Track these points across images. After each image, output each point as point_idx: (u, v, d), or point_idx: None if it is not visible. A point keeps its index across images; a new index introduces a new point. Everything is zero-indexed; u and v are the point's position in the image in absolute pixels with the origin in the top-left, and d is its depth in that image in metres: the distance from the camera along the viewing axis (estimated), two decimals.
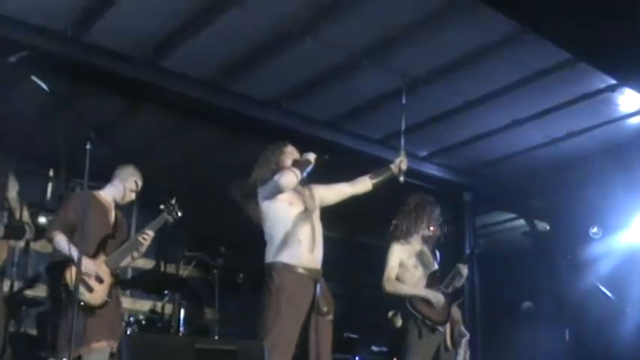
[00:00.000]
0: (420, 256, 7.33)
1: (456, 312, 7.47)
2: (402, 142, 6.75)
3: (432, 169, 11.15)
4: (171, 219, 6.65)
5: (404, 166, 6.38)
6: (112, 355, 6.29)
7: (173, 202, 6.68)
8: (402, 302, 7.13)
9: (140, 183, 6.77)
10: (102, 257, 6.35)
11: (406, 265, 7.24)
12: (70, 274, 6.01)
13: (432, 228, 7.38)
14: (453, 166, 11.34)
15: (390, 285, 7.15)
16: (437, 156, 10.98)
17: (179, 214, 6.68)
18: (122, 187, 6.70)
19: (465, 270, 7.40)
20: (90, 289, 6.15)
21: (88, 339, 5.99)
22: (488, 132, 10.02)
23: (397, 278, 7.19)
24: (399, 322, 7.20)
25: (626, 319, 9.72)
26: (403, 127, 6.94)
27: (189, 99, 8.64)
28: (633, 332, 9.43)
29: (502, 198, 12.32)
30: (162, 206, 6.66)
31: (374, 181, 6.43)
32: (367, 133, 10.06)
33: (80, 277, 5.92)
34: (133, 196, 6.79)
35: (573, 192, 11.10)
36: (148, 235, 6.57)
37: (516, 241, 13.56)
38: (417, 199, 7.43)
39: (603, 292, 9.52)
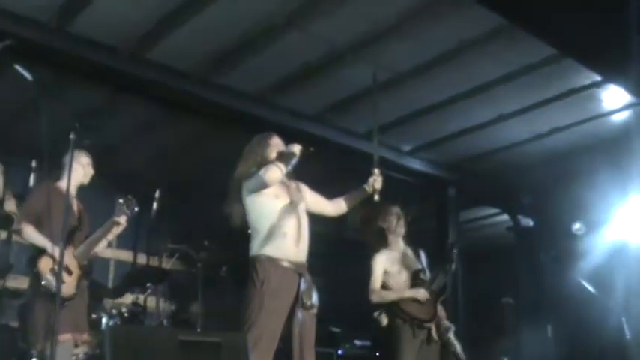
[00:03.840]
0: (403, 259, 7.41)
1: (440, 309, 7.52)
2: (376, 159, 6.66)
3: (415, 164, 11.16)
4: (124, 216, 6.60)
5: (378, 185, 6.34)
6: (76, 346, 6.26)
7: (130, 197, 6.63)
8: (390, 306, 7.20)
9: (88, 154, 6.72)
10: (70, 249, 6.33)
11: (390, 272, 7.34)
12: (44, 264, 6.02)
13: (402, 225, 7.46)
14: (438, 160, 11.35)
15: (376, 295, 7.27)
16: (421, 150, 10.99)
17: (135, 209, 6.64)
18: (80, 166, 6.58)
19: (448, 267, 7.49)
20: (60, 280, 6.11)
21: (57, 331, 5.94)
22: (472, 127, 10.04)
23: (383, 285, 7.26)
24: (384, 321, 7.26)
25: (609, 314, 9.74)
26: (376, 143, 6.90)
27: (174, 91, 8.63)
28: (616, 328, 9.45)
29: (486, 193, 12.35)
30: (121, 200, 6.64)
31: (349, 203, 6.44)
32: (352, 127, 10.04)
33: (52, 268, 5.98)
34: (91, 170, 6.72)
35: (557, 188, 11.14)
36: (120, 224, 6.56)
37: (500, 237, 13.58)
38: (379, 211, 7.40)
39: (586, 288, 9.54)
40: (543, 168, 10.79)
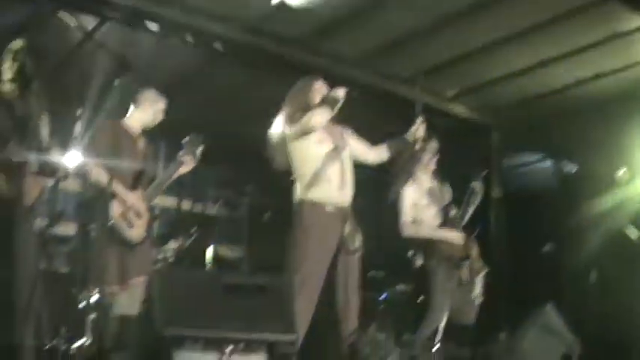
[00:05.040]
0: (430, 193, 7.33)
1: (473, 248, 7.46)
2: (419, 107, 6.62)
3: (459, 109, 11.10)
4: (192, 154, 6.62)
5: (420, 134, 6.36)
6: None
7: (194, 135, 6.69)
8: (424, 245, 7.17)
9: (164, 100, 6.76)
10: (139, 192, 6.32)
11: (419, 204, 7.24)
12: (115, 209, 6.01)
13: (434, 160, 7.39)
14: (481, 106, 11.26)
15: (408, 229, 7.18)
16: (464, 95, 10.88)
17: (200, 148, 6.66)
18: (151, 110, 6.63)
19: (478, 186, 7.38)
20: (131, 225, 6.12)
21: (127, 276, 5.98)
22: (515, 72, 9.90)
23: (414, 220, 7.20)
24: (419, 262, 7.24)
25: None
26: (419, 91, 6.87)
27: (218, 37, 8.62)
28: None
29: (530, 139, 12.24)
30: (186, 140, 6.68)
31: (391, 151, 6.47)
32: (396, 72, 9.98)
33: (123, 212, 6.00)
34: (161, 116, 6.73)
35: (601, 134, 11.01)
36: (187, 162, 6.58)
37: (543, 183, 13.50)
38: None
39: (628, 236, 9.50)
40: (587, 114, 10.66)
